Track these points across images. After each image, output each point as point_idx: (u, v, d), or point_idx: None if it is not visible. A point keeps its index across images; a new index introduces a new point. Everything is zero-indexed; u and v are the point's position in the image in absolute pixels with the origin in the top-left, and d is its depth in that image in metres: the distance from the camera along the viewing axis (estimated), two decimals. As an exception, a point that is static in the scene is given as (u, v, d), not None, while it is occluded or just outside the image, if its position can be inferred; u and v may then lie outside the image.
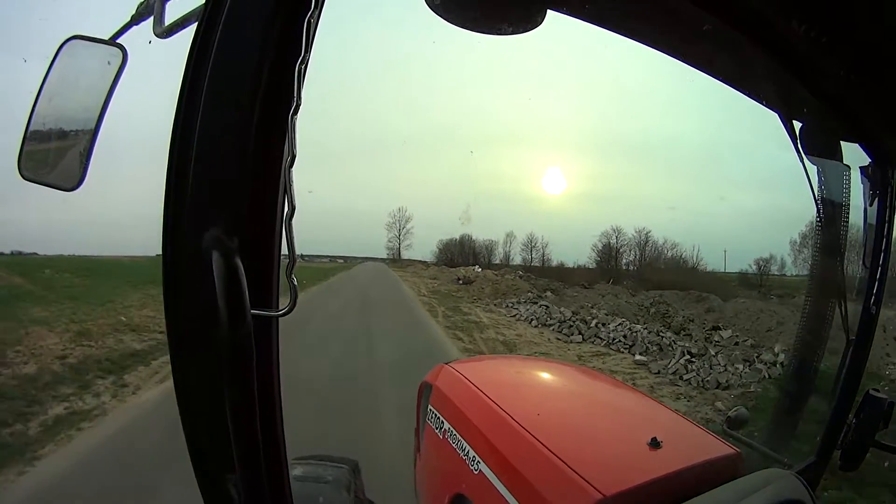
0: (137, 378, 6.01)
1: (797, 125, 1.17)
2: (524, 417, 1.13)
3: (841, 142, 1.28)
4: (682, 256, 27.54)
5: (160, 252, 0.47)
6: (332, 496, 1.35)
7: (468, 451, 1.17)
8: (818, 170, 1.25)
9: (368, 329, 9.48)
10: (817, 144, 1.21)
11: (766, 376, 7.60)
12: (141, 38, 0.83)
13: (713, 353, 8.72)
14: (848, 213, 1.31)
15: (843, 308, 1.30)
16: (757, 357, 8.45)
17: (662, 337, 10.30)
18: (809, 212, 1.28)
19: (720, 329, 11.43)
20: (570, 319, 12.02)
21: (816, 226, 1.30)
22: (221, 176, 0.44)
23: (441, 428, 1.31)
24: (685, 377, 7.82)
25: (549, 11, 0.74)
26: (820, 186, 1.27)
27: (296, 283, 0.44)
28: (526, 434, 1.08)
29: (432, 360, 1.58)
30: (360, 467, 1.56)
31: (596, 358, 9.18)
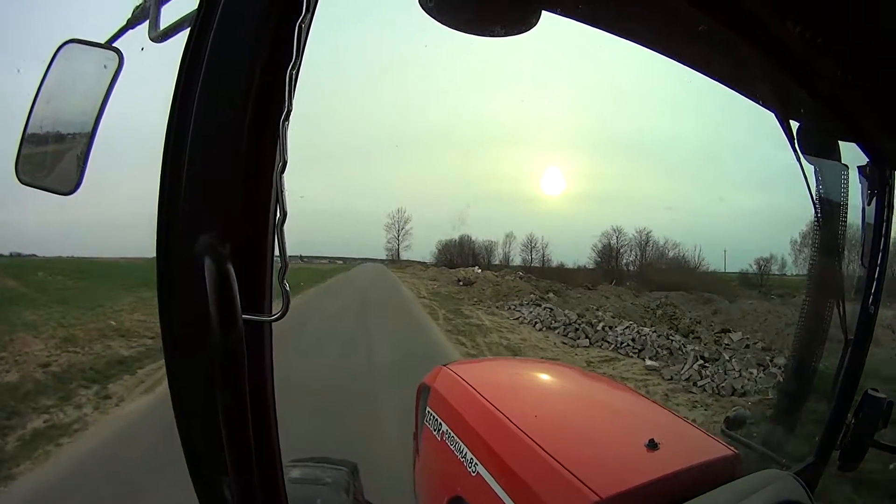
0: (122, 388, 5.81)
1: (795, 125, 1.17)
2: (521, 419, 1.13)
3: (839, 141, 1.28)
4: (684, 257, 27.54)
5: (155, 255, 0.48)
6: (330, 498, 1.35)
7: (466, 453, 1.17)
8: (816, 169, 1.25)
9: (367, 333, 9.33)
10: (815, 144, 1.21)
11: (782, 381, 7.43)
12: (137, 41, 0.83)
13: (727, 357, 8.45)
14: (846, 213, 1.31)
15: (841, 308, 1.30)
16: (771, 361, 8.28)
17: (672, 340, 10.05)
18: (809, 211, 1.28)
19: (730, 332, 11.23)
20: (575, 322, 11.74)
21: (815, 225, 1.30)
22: (214, 181, 0.44)
23: (439, 430, 1.31)
24: (699, 383, 7.53)
25: (544, 13, 0.75)
26: (818, 186, 1.26)
27: (288, 288, 0.44)
28: (523, 436, 1.08)
29: (434, 365, 1.57)
30: (358, 469, 1.56)
31: (605, 364, 8.90)
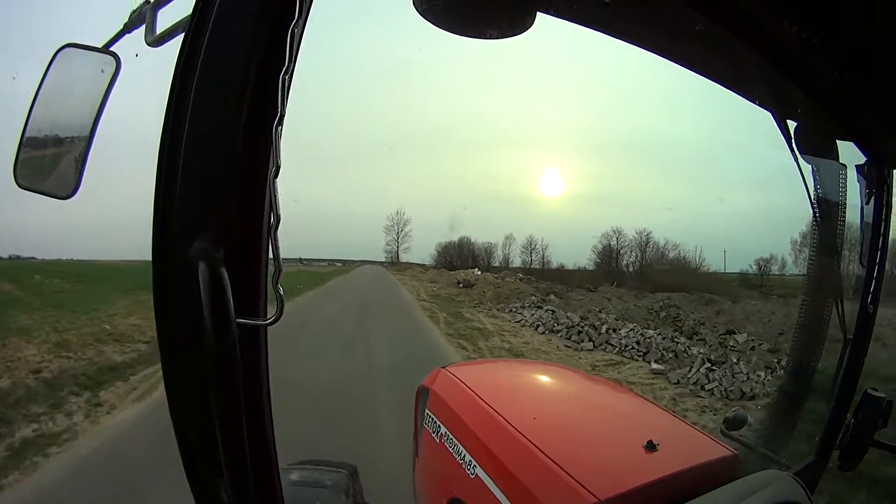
0: (113, 395, 5.65)
1: (792, 125, 1.17)
2: (520, 421, 1.13)
3: (837, 141, 1.28)
4: (685, 257, 27.54)
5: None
6: (330, 501, 1.35)
7: (464, 455, 1.17)
8: (814, 169, 1.25)
9: (366, 337, 9.21)
10: (813, 144, 1.21)
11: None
12: (133, 46, 0.83)
13: (735, 359, 8.29)
14: (844, 213, 1.30)
15: (840, 307, 1.30)
16: (778, 363, 8.15)
17: (677, 343, 9.90)
18: (808, 211, 1.28)
19: (735, 333, 11.10)
20: (578, 325, 11.58)
21: (813, 225, 1.30)
22: (208, 186, 0.44)
23: (438, 432, 1.31)
24: (707, 387, 7.37)
25: (540, 14, 0.75)
26: (816, 186, 1.26)
27: (282, 292, 0.44)
28: (521, 438, 1.08)
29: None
30: (358, 472, 1.56)
31: (611, 367, 8.75)
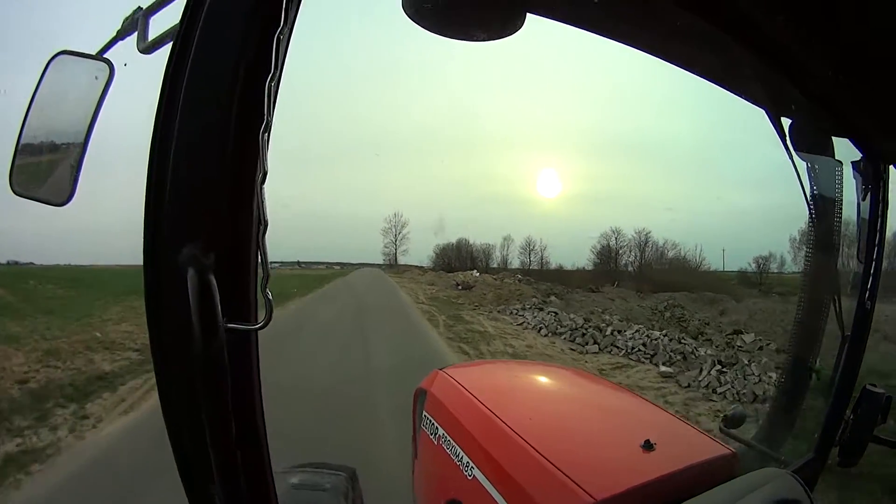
0: (101, 408, 5.47)
1: (787, 122, 1.17)
2: (516, 422, 1.13)
3: (832, 137, 1.28)
4: (684, 257, 27.53)
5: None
6: None
7: (462, 457, 1.17)
8: (809, 166, 1.25)
9: (364, 341, 9.09)
10: (808, 141, 1.21)
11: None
12: (127, 53, 0.84)
13: (746, 361, 8.01)
14: (841, 209, 1.30)
15: (837, 304, 1.29)
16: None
17: (685, 344, 9.64)
18: (805, 208, 1.28)
19: (742, 333, 10.82)
20: (582, 327, 11.32)
21: (809, 222, 1.30)
22: (196, 192, 0.45)
23: (435, 434, 1.31)
24: (719, 390, 7.09)
25: (532, 15, 0.75)
26: (812, 183, 1.26)
27: (270, 297, 0.45)
28: (518, 439, 1.08)
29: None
30: (357, 475, 1.57)
31: (618, 371, 8.50)
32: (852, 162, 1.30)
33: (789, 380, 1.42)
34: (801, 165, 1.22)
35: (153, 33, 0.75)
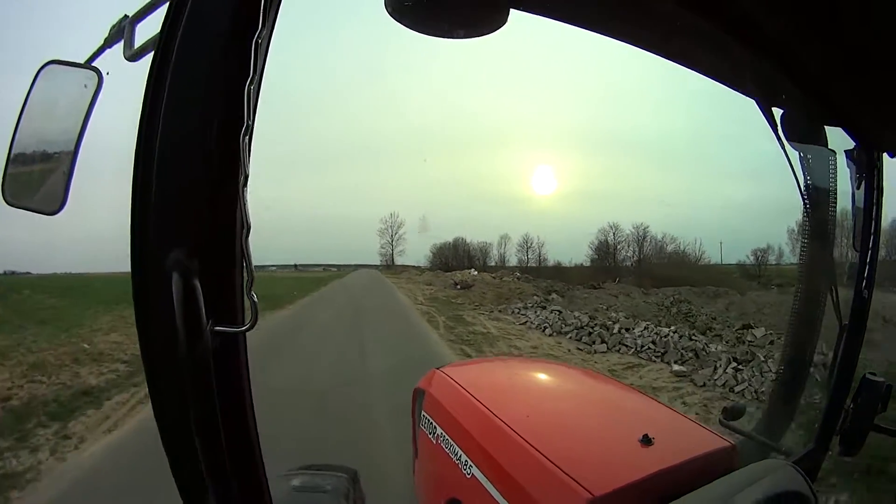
0: (84, 426, 5.16)
1: (778, 112, 1.16)
2: (514, 420, 1.13)
3: (825, 126, 1.27)
4: (684, 251, 27.49)
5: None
6: None
7: (460, 456, 1.17)
8: (802, 156, 1.24)
9: (362, 344, 8.90)
10: (800, 131, 1.21)
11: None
12: (114, 61, 0.84)
13: (762, 357, 7.71)
14: (835, 199, 1.30)
15: (834, 294, 1.29)
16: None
17: (696, 341, 9.31)
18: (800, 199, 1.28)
19: (752, 328, 10.47)
20: (588, 325, 10.92)
21: (804, 213, 1.29)
22: (180, 197, 0.45)
23: (434, 433, 1.32)
24: (737, 389, 6.80)
25: (520, 12, 0.74)
26: (805, 173, 1.26)
27: (256, 299, 0.45)
28: (515, 436, 1.07)
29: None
30: (359, 476, 1.57)
31: (630, 371, 8.09)
32: (846, 151, 1.30)
33: (788, 370, 1.42)
34: (794, 156, 1.22)
35: (139, 41, 0.75)
